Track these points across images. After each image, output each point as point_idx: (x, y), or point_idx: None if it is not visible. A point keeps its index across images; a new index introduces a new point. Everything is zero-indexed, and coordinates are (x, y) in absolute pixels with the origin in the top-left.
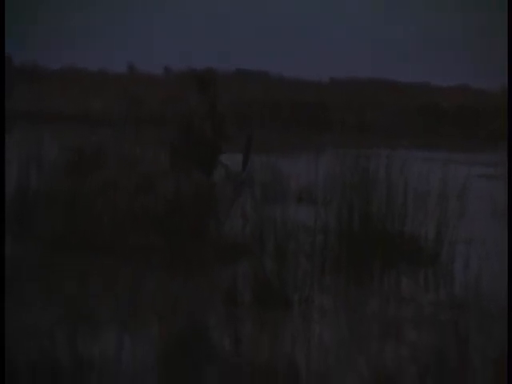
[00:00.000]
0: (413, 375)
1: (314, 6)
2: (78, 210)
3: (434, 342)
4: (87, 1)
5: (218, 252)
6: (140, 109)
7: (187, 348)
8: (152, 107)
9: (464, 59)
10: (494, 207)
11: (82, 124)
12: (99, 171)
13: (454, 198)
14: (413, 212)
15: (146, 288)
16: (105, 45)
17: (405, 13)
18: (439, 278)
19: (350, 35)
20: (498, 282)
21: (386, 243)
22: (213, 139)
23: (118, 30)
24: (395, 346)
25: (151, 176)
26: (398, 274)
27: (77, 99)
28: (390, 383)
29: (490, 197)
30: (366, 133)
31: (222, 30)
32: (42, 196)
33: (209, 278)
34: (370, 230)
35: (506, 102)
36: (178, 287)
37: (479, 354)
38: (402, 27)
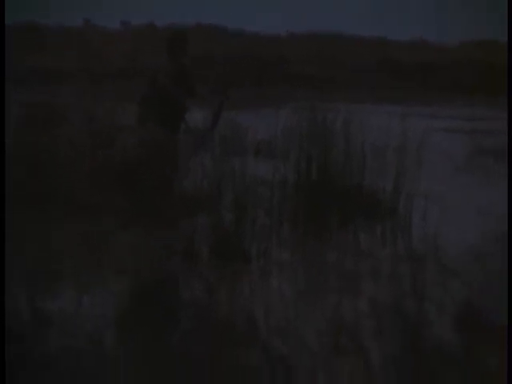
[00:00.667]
0: (370, 328)
1: None
2: (38, 166)
3: (392, 295)
4: None
5: (177, 206)
6: (99, 64)
7: (147, 302)
8: (112, 63)
9: (423, 15)
10: (452, 160)
11: (40, 79)
12: (58, 127)
13: (413, 152)
14: (371, 165)
15: (106, 243)
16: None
17: None
18: (397, 231)
19: None
20: (456, 235)
21: (344, 196)
22: (179, 95)
23: None
24: (353, 300)
25: (111, 131)
26: (356, 227)
27: (35, 55)
28: (348, 336)
29: (448, 150)
30: (324, 87)
31: None
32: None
33: (168, 232)
34: (329, 183)
35: (465, 57)
36: (137, 242)
37: (436, 308)
38: None
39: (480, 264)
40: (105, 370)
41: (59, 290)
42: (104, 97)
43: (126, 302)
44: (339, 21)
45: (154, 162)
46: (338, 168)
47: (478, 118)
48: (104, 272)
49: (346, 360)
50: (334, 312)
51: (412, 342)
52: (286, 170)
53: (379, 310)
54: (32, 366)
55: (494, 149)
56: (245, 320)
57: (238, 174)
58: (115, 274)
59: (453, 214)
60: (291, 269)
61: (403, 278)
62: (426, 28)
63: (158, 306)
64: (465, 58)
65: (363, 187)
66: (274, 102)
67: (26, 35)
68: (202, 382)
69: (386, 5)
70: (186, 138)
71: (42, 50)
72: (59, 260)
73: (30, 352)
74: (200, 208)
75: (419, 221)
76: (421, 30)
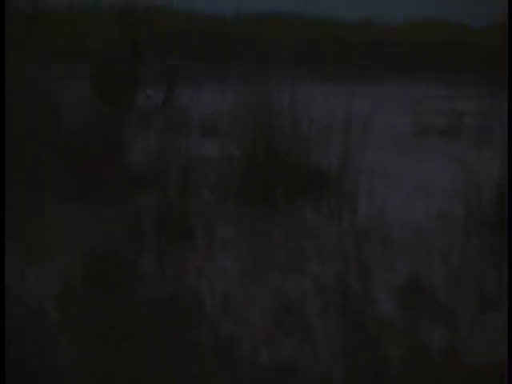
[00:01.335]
0: (316, 306)
1: None
2: None
3: (337, 272)
4: None
5: (120, 183)
6: (48, 43)
7: (91, 279)
8: (59, 41)
9: None
10: (397, 139)
11: None
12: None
13: (359, 130)
14: (317, 143)
15: (50, 220)
16: None
17: None
18: (343, 208)
19: None
20: (401, 211)
21: (290, 174)
22: (131, 71)
23: None
24: (298, 277)
25: (56, 108)
26: (302, 204)
27: None
28: (293, 314)
29: (394, 129)
30: (270, 65)
31: None
32: None
33: (111, 210)
34: (275, 160)
35: (410, 35)
36: (82, 219)
37: (381, 285)
38: None
39: (423, 240)
40: (47, 347)
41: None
42: (49, 75)
43: (69, 279)
44: (287, 1)
45: (98, 139)
46: (284, 145)
47: (424, 98)
48: (47, 248)
49: (291, 337)
50: (279, 289)
51: (357, 318)
52: (231, 148)
53: (324, 287)
54: None
55: (438, 128)
56: (190, 298)
57: (182, 152)
58: (59, 250)
59: (397, 190)
60: (236, 246)
61: (348, 254)
62: (373, 7)
63: (102, 283)
64: (412, 37)
65: (309, 165)
66: (219, 79)
67: None
68: (146, 359)
69: None
70: (134, 115)
71: None
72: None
73: None
74: (144, 186)
75: (364, 197)
76: (367, 9)
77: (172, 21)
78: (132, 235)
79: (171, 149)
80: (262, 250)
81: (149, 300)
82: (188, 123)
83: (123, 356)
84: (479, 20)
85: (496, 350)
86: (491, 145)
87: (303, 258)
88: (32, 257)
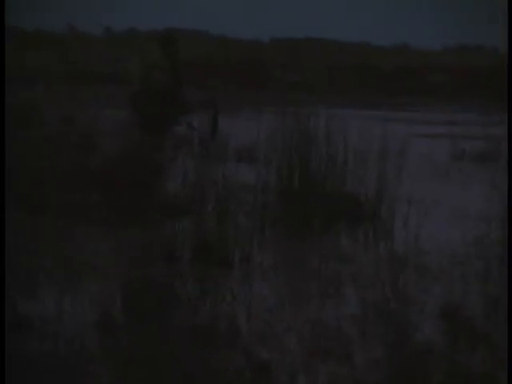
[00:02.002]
0: (354, 333)
1: None
2: (16, 167)
3: (375, 299)
4: None
5: (158, 210)
6: (81, 68)
7: (128, 305)
8: (94, 66)
9: (405, 19)
10: (432, 165)
11: (19, 82)
12: (38, 128)
13: (394, 157)
14: (353, 170)
15: (87, 245)
16: (44, 5)
17: None
18: (379, 235)
19: None
20: (436, 240)
21: (326, 201)
22: (173, 97)
23: None
24: (336, 304)
25: (92, 134)
26: (338, 231)
27: (14, 58)
28: (332, 342)
29: (429, 155)
30: (305, 91)
31: None
32: None
33: (150, 236)
34: (311, 187)
35: (447, 62)
36: (119, 245)
37: (419, 311)
38: None
39: (460, 266)
40: (86, 373)
41: (39, 292)
42: (86, 100)
43: (107, 305)
44: (323, 26)
45: (136, 166)
46: (320, 173)
47: (459, 123)
48: (85, 274)
49: (329, 364)
50: (317, 317)
51: (396, 344)
52: (267, 175)
53: (363, 314)
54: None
55: (473, 153)
56: (227, 326)
57: (219, 179)
58: (96, 276)
59: (433, 218)
60: (273, 273)
61: (385, 282)
62: (409, 32)
63: (139, 310)
64: (447, 63)
65: (345, 192)
66: (256, 107)
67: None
68: None
69: (364, 11)
70: (172, 141)
71: (23, 50)
72: (39, 261)
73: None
74: (182, 212)
75: (401, 225)
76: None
77: (208, 45)
78: (170, 261)
79: (208, 176)
80: (299, 276)
81: (186, 326)
82: (225, 150)
83: (161, 381)
84: None
85: None
86: None
87: (340, 284)
88: (69, 284)
